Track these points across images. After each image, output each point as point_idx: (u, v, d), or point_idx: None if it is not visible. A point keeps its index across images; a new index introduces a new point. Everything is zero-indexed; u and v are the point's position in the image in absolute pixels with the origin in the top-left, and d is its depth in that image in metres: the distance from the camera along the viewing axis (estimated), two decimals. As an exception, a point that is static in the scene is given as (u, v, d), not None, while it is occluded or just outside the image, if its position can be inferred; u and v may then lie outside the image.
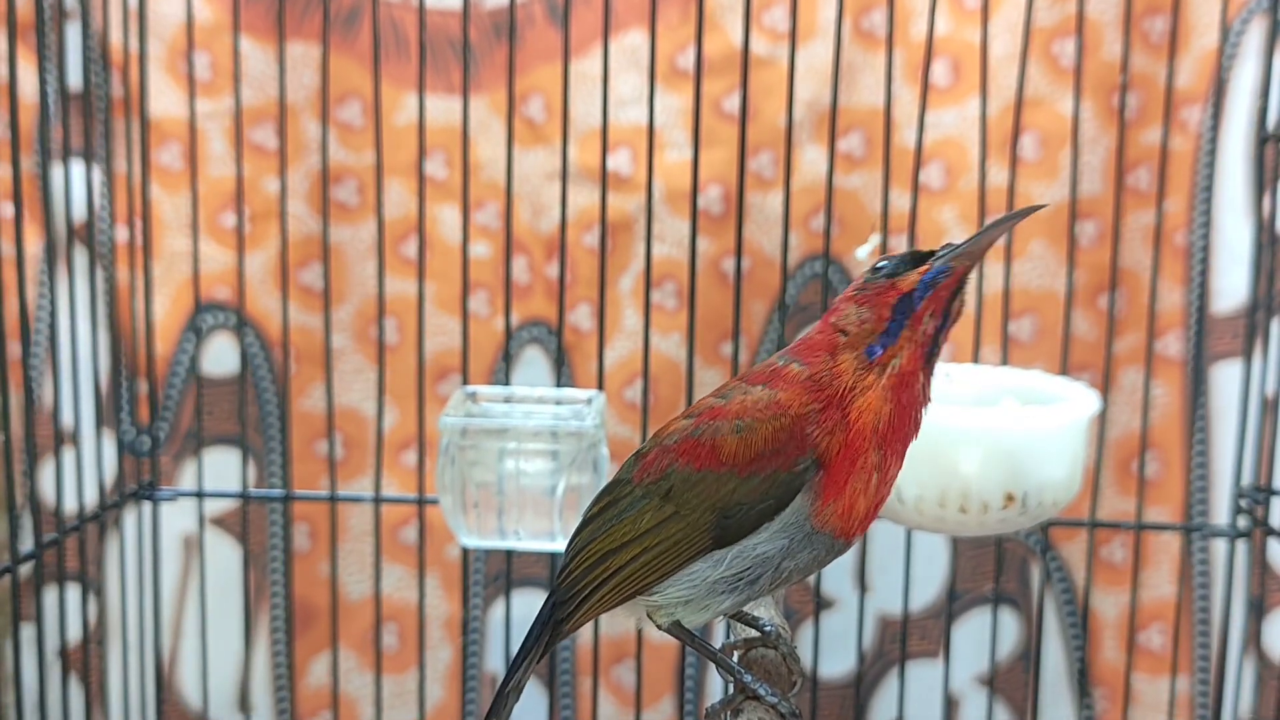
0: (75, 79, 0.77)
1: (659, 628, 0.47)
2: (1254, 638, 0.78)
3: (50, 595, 0.77)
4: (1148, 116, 0.81)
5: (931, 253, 0.44)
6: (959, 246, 0.43)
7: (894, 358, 0.43)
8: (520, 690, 0.48)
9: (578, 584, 0.46)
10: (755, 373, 0.46)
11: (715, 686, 0.87)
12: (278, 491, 0.82)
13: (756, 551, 0.43)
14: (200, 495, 0.81)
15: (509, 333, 0.80)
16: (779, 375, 0.44)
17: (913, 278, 0.43)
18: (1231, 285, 0.80)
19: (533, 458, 0.68)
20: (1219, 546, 0.81)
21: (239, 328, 0.82)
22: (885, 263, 0.44)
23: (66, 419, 0.77)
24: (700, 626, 0.47)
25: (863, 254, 0.67)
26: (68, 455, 0.78)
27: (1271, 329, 0.78)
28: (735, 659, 0.51)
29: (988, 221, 0.80)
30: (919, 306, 0.43)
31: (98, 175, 0.79)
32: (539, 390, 0.74)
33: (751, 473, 0.43)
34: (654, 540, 0.44)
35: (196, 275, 0.81)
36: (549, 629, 0.47)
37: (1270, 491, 0.73)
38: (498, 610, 0.87)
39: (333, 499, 0.80)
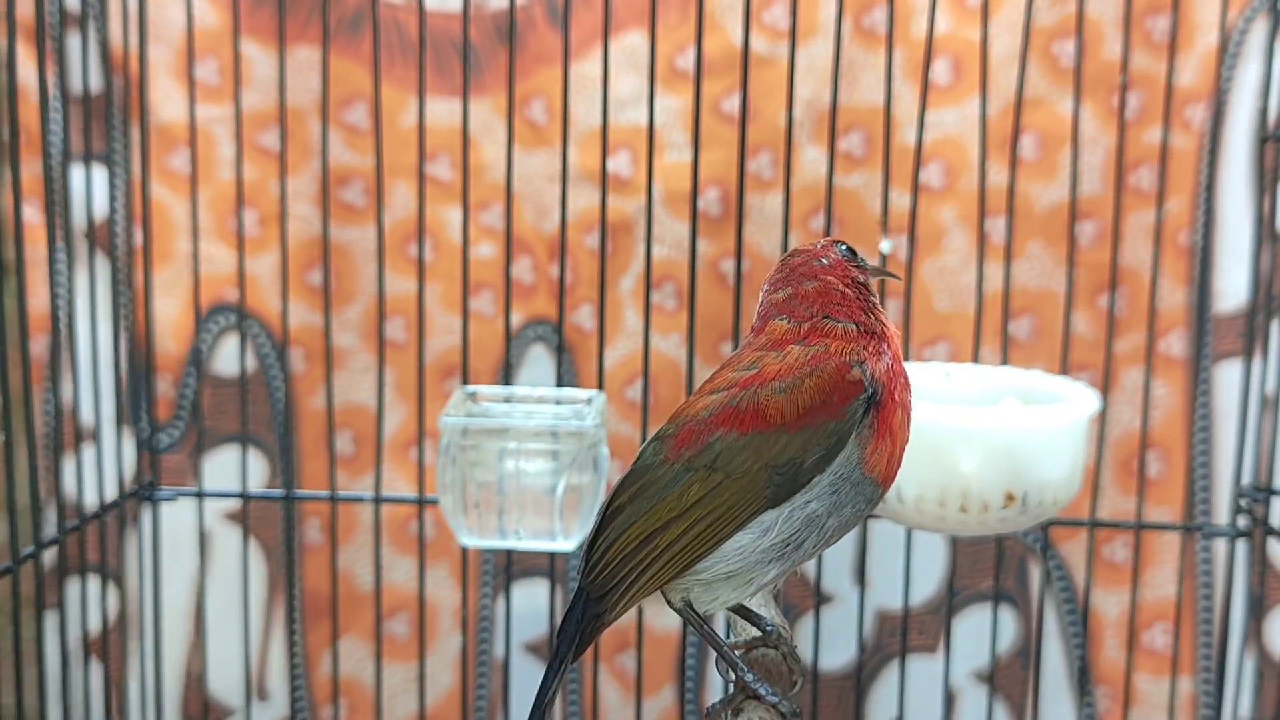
0: (92, 84, 0.76)
1: (670, 606, 0.45)
2: (1254, 636, 0.76)
3: (72, 588, 0.76)
4: (1150, 116, 0.78)
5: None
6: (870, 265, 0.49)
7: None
8: (553, 696, 0.46)
9: (619, 574, 0.44)
10: (775, 338, 0.45)
11: (715, 676, 0.85)
12: (277, 491, 0.80)
13: (807, 510, 0.42)
14: (200, 495, 0.80)
15: (510, 332, 0.78)
16: (820, 332, 0.45)
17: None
18: (1234, 285, 0.78)
19: (533, 457, 0.67)
20: (1220, 546, 0.78)
21: (247, 328, 0.81)
22: (847, 247, 0.49)
23: (84, 419, 0.76)
24: (715, 611, 0.46)
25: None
26: (76, 455, 0.77)
27: (1272, 329, 0.75)
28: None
29: (986, 222, 0.77)
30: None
31: (105, 179, 0.78)
32: (539, 390, 0.72)
33: (803, 426, 0.42)
34: (705, 510, 0.43)
35: (197, 276, 0.79)
36: (585, 625, 0.45)
37: (1270, 491, 0.71)
38: (505, 600, 0.85)
39: (333, 499, 0.79)
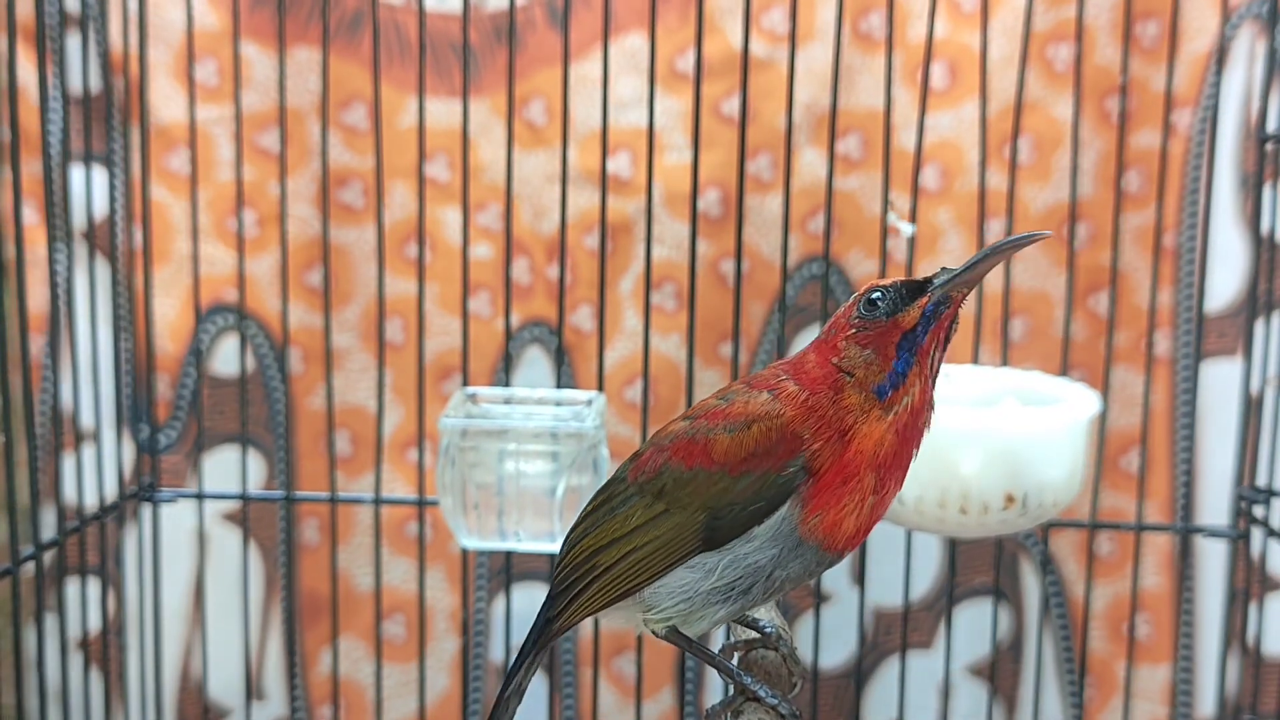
0: (91, 84, 0.74)
1: (656, 634, 0.44)
2: (1240, 633, 0.75)
3: (68, 589, 0.74)
4: (1139, 120, 0.78)
5: (925, 281, 0.41)
6: (956, 273, 0.40)
7: (905, 396, 0.41)
8: (522, 693, 0.46)
9: (567, 580, 0.44)
10: (761, 378, 0.44)
11: (715, 679, 0.84)
12: (278, 493, 0.79)
13: (748, 560, 0.41)
14: (200, 496, 0.78)
15: (509, 333, 0.77)
16: (782, 391, 0.42)
17: (914, 314, 0.41)
18: (1219, 285, 0.77)
19: (533, 459, 0.65)
20: (1203, 541, 0.78)
21: (245, 329, 0.79)
22: (879, 294, 0.41)
23: (77, 419, 0.74)
24: (699, 635, 0.44)
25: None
26: (75, 455, 0.75)
27: (1257, 329, 0.75)
28: (735, 660, 0.49)
29: (986, 225, 0.77)
30: (924, 341, 0.41)
31: (105, 179, 0.76)
32: (539, 391, 0.71)
33: (743, 472, 0.41)
34: (643, 539, 0.42)
35: (197, 277, 0.78)
36: (543, 628, 0.45)
37: (1271, 492, 0.70)
38: (502, 602, 0.84)
39: (333, 500, 0.77)
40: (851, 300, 0.42)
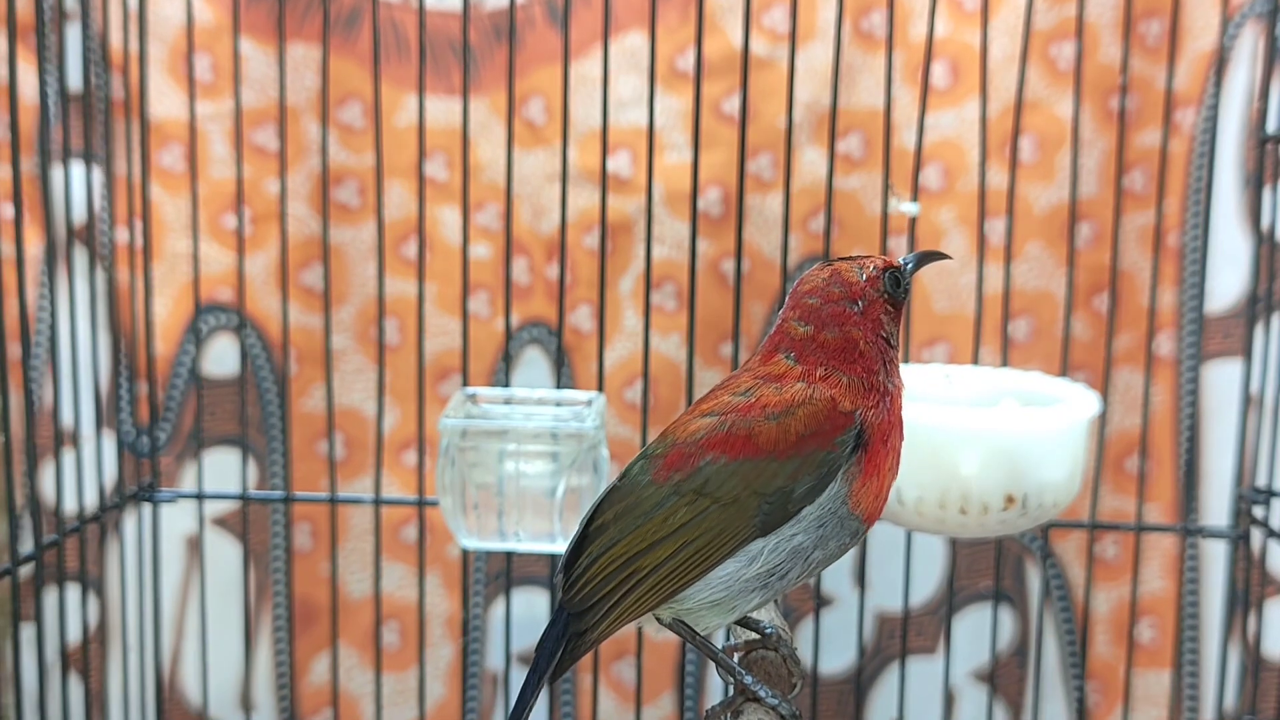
0: (76, 80, 0.75)
1: (660, 623, 0.45)
2: (1239, 633, 0.76)
3: (52, 596, 0.74)
4: (1143, 119, 0.79)
5: (900, 266, 0.47)
6: (912, 265, 0.47)
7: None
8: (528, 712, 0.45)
9: (600, 592, 0.43)
10: (778, 373, 0.44)
11: (715, 683, 0.84)
12: (278, 493, 0.79)
13: (793, 543, 0.42)
14: (200, 497, 0.78)
15: (509, 334, 0.77)
16: (825, 380, 0.44)
17: (904, 294, 0.47)
18: (1223, 286, 0.78)
19: (533, 459, 0.66)
20: (1208, 544, 0.79)
21: (240, 329, 0.80)
22: (898, 274, 0.47)
23: (67, 420, 0.74)
24: (713, 629, 0.45)
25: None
26: (69, 456, 0.76)
27: (1258, 331, 0.76)
28: (735, 660, 0.49)
29: (987, 224, 0.77)
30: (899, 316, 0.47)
31: (98, 176, 0.77)
32: (539, 391, 0.71)
33: (792, 455, 0.42)
34: (693, 534, 0.42)
35: (196, 277, 0.78)
36: (565, 643, 0.44)
37: (1271, 493, 0.71)
38: (498, 608, 0.84)
39: (332, 500, 0.78)
40: (869, 277, 0.45)
